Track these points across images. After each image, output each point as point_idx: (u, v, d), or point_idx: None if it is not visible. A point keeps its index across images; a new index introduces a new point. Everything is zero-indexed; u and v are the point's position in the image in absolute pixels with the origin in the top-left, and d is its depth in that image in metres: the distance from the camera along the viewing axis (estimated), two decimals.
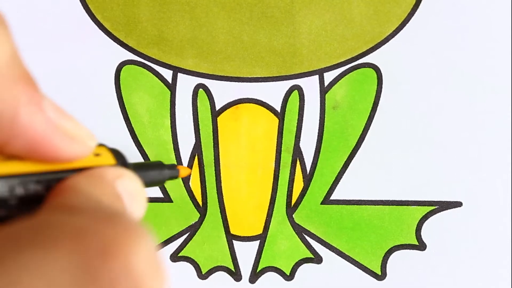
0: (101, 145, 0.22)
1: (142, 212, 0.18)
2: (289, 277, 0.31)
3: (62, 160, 0.18)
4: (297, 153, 0.31)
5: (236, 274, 0.31)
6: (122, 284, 0.13)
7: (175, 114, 0.31)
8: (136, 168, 0.26)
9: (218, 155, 0.31)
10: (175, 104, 0.31)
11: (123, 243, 0.14)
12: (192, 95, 0.31)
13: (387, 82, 0.31)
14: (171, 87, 0.31)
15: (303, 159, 0.31)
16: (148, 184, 0.27)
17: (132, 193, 0.18)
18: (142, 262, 0.14)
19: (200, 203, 0.31)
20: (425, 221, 0.31)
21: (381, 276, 0.31)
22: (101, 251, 0.13)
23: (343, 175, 0.31)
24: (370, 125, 0.31)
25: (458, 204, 0.31)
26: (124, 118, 0.31)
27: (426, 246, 0.31)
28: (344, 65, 0.31)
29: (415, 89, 0.31)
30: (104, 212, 0.15)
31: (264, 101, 0.31)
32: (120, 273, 0.13)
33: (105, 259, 0.13)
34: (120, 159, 0.23)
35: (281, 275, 0.31)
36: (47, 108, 0.17)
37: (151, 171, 0.27)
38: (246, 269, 0.31)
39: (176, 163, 0.30)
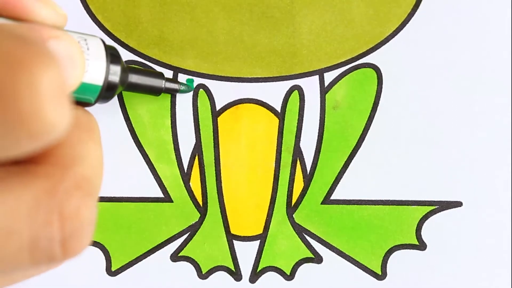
0: (100, 39, 0.22)
1: (73, 78, 0.18)
2: (289, 277, 0.31)
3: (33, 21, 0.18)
4: (297, 153, 0.31)
5: (236, 274, 0.31)
6: (24, 103, 0.13)
7: (175, 115, 0.31)
8: (133, 69, 0.27)
9: (219, 155, 0.31)
10: (175, 104, 0.31)
11: (32, 62, 0.14)
12: (193, 95, 0.31)
13: (387, 82, 0.31)
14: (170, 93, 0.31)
15: (303, 159, 0.31)
16: (145, 88, 0.28)
17: (65, 56, 0.17)
18: (48, 85, 0.14)
19: (201, 203, 0.31)
20: (425, 221, 0.31)
21: (381, 276, 0.31)
22: (8, 63, 0.13)
23: (343, 175, 0.31)
24: (370, 125, 0.31)
25: (458, 204, 0.31)
26: (124, 118, 0.31)
27: (426, 246, 0.31)
28: (344, 65, 0.31)
29: (415, 89, 0.31)
30: (18, 35, 0.14)
31: (264, 101, 0.31)
32: (23, 88, 0.13)
33: (11, 71, 0.13)
34: (112, 52, 0.23)
35: (281, 275, 0.31)
36: None
37: (149, 75, 0.28)
38: (246, 269, 0.31)
39: (178, 82, 0.30)
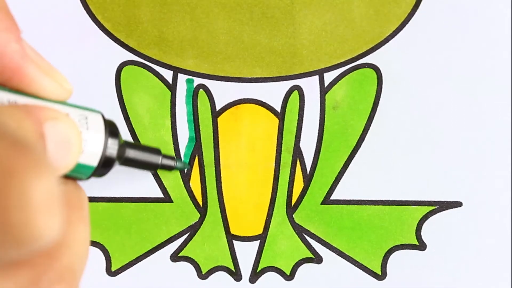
0: (98, 112, 0.22)
1: (67, 162, 0.17)
2: (289, 277, 0.31)
3: (37, 95, 0.18)
4: (297, 153, 0.31)
5: (236, 274, 0.31)
6: (14, 213, 0.13)
7: (175, 115, 0.31)
8: (130, 145, 0.27)
9: (218, 155, 0.31)
10: (175, 104, 0.31)
11: (24, 171, 0.13)
12: (193, 96, 0.31)
13: (387, 82, 0.31)
14: (172, 87, 0.31)
15: (303, 159, 0.31)
16: (142, 165, 0.27)
17: (60, 139, 0.17)
18: (39, 195, 0.13)
19: (200, 203, 0.31)
20: (425, 221, 0.31)
21: (381, 276, 0.31)
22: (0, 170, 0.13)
23: (343, 175, 0.31)
24: (370, 125, 0.31)
25: (458, 204, 0.31)
26: (124, 118, 0.31)
27: (426, 246, 0.31)
28: (344, 66, 0.31)
29: (415, 89, 0.31)
30: (11, 139, 0.14)
31: (264, 101, 0.31)
32: (14, 198, 0.13)
33: (2, 179, 0.13)
34: (111, 129, 0.23)
35: (281, 275, 0.31)
36: (25, 43, 0.17)
37: (146, 152, 0.27)
38: (246, 269, 0.31)
39: (175, 156, 0.30)
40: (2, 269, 0.15)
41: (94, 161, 0.21)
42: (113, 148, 0.23)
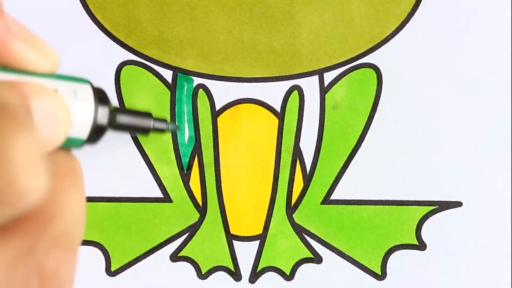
0: (87, 82, 0.22)
1: (55, 136, 0.17)
2: (289, 277, 0.31)
3: (23, 69, 0.18)
4: (297, 153, 0.31)
5: (236, 274, 0.31)
6: None
7: (175, 115, 0.31)
8: (121, 111, 0.27)
9: (218, 155, 0.31)
10: (175, 104, 0.31)
11: (5, 129, 0.13)
12: (192, 96, 0.31)
13: (387, 82, 0.31)
14: (171, 87, 0.31)
15: (303, 159, 0.31)
16: (134, 129, 0.27)
17: (48, 115, 0.17)
18: (22, 152, 0.13)
19: (200, 203, 0.31)
20: (425, 221, 0.31)
21: (381, 276, 0.31)
22: None
23: (343, 175, 0.31)
24: (370, 125, 0.31)
25: (458, 204, 0.31)
26: None
27: (426, 246, 0.31)
28: (344, 65, 0.31)
29: (415, 89, 0.31)
30: None
31: (264, 101, 0.31)
32: None
33: None
34: (100, 97, 0.23)
35: (281, 275, 0.31)
36: (8, 17, 0.17)
37: (138, 116, 0.27)
38: (246, 269, 0.31)
39: (168, 120, 0.30)
40: None
41: (84, 133, 0.22)
42: (103, 116, 0.23)
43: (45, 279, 0.16)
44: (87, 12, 0.31)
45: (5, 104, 0.14)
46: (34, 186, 0.14)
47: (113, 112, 0.25)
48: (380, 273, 0.31)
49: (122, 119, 0.26)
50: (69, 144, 0.21)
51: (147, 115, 0.28)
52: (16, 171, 0.13)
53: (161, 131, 0.29)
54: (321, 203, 0.31)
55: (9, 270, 0.15)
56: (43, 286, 0.16)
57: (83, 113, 0.21)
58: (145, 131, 0.28)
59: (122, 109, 0.27)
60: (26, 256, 0.15)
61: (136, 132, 0.28)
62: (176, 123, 0.30)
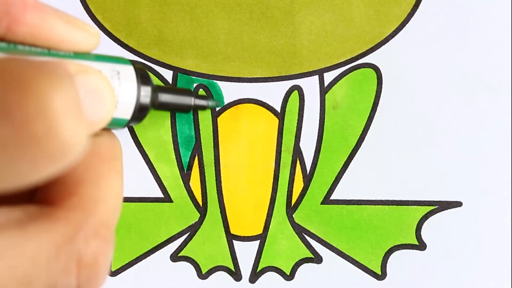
0: (129, 63, 0.22)
1: (101, 115, 0.17)
2: (289, 277, 0.31)
3: (67, 48, 0.18)
4: (297, 153, 0.31)
5: (236, 274, 0.31)
6: (37, 120, 0.13)
7: (175, 115, 0.31)
8: (163, 89, 0.27)
9: (218, 155, 0.31)
10: None
11: (42, 82, 0.13)
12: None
13: (387, 82, 0.31)
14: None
15: (303, 159, 0.31)
16: (176, 107, 0.28)
17: (94, 93, 0.17)
18: (60, 103, 0.13)
19: (200, 203, 0.31)
20: (425, 221, 0.31)
21: (381, 276, 0.31)
22: (16, 86, 0.13)
23: (343, 175, 0.31)
24: (370, 125, 0.31)
25: (458, 204, 0.31)
26: None
27: (426, 246, 0.31)
28: (344, 65, 0.31)
29: (415, 89, 0.31)
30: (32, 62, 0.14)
31: (264, 101, 0.31)
32: (33, 108, 0.13)
33: (19, 94, 0.13)
34: (142, 76, 0.23)
35: (281, 275, 0.31)
36: (42, 3, 0.17)
37: (179, 94, 0.28)
38: (246, 269, 0.31)
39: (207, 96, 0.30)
40: (38, 223, 0.15)
41: (128, 113, 0.22)
42: (146, 96, 0.23)
43: (83, 267, 0.16)
44: (87, 12, 0.31)
45: (39, 62, 0.14)
46: (75, 137, 0.14)
47: (155, 91, 0.26)
48: (380, 273, 0.31)
49: (164, 97, 0.27)
50: (113, 125, 0.22)
51: (188, 92, 0.28)
52: (56, 121, 0.13)
53: (202, 108, 0.29)
54: (321, 203, 0.31)
55: (50, 259, 0.15)
56: (80, 275, 0.16)
57: (126, 94, 0.22)
58: (186, 109, 0.28)
59: (164, 87, 0.27)
60: (67, 244, 0.15)
61: (177, 110, 0.28)
62: (217, 100, 0.30)
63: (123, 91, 0.21)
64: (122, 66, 0.22)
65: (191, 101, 0.28)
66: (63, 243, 0.15)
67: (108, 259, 0.16)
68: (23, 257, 0.14)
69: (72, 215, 0.16)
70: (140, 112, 0.23)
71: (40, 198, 0.16)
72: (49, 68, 0.14)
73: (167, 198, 0.31)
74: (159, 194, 0.31)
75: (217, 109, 0.31)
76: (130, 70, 0.22)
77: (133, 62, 0.23)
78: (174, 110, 0.28)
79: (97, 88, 0.17)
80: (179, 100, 0.28)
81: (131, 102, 0.22)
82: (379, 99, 0.31)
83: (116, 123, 0.22)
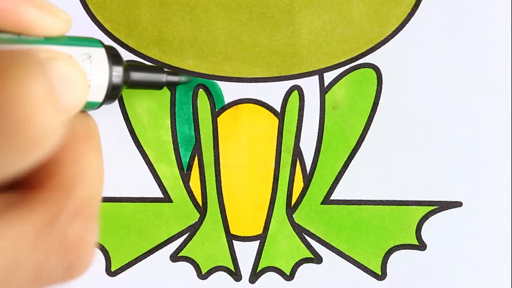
0: (99, 44, 0.22)
1: (74, 100, 0.17)
2: (289, 277, 0.31)
3: (38, 33, 0.18)
4: (297, 153, 0.31)
5: (236, 274, 0.31)
6: (11, 115, 0.13)
7: (175, 115, 0.31)
8: (134, 68, 0.27)
9: (218, 155, 0.31)
10: (175, 104, 0.31)
11: (14, 73, 0.13)
12: (192, 96, 0.31)
13: (387, 82, 0.31)
14: (171, 87, 0.31)
15: (303, 159, 0.31)
16: (148, 85, 0.28)
17: (65, 77, 0.16)
18: (33, 93, 0.13)
19: (200, 203, 0.31)
20: (425, 221, 0.31)
21: (381, 276, 0.31)
22: None
23: (343, 175, 0.31)
24: (370, 125, 0.31)
25: (458, 204, 0.31)
26: (124, 118, 0.31)
27: (426, 246, 0.31)
28: (344, 65, 0.31)
29: (415, 89, 0.31)
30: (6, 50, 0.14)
31: (264, 101, 0.31)
32: (7, 103, 0.13)
33: None
34: (113, 56, 0.23)
35: (281, 275, 0.31)
36: None
37: (150, 71, 0.28)
38: (246, 269, 0.31)
39: (179, 73, 0.30)
40: (17, 209, 0.15)
41: (101, 95, 0.22)
42: (118, 76, 0.23)
43: (68, 247, 0.16)
44: (87, 12, 0.31)
45: (15, 49, 0.14)
46: (50, 125, 0.14)
47: (127, 70, 0.26)
48: (380, 273, 0.31)
49: (136, 76, 0.27)
50: (87, 107, 0.22)
51: (159, 69, 0.28)
52: (30, 111, 0.13)
53: (174, 84, 0.29)
54: (321, 203, 0.31)
55: (33, 244, 0.15)
56: (67, 256, 0.16)
57: (98, 76, 0.22)
58: (159, 85, 0.28)
59: (135, 66, 0.27)
60: (50, 226, 0.15)
61: (150, 88, 0.28)
62: (189, 76, 0.30)
63: (95, 73, 0.21)
64: (93, 48, 0.22)
65: (163, 77, 0.28)
66: (45, 225, 0.15)
67: (94, 236, 0.16)
68: (5, 245, 0.14)
69: (53, 197, 0.16)
70: (113, 91, 0.23)
71: (20, 184, 0.16)
72: (20, 58, 0.14)
73: (167, 198, 0.31)
74: (159, 194, 0.31)
75: (217, 109, 0.31)
76: (101, 52, 0.22)
77: (103, 43, 0.22)
78: (146, 87, 0.28)
79: (69, 74, 0.17)
80: (151, 78, 0.28)
81: (104, 84, 0.22)
82: (379, 99, 0.31)
83: (90, 105, 0.22)
